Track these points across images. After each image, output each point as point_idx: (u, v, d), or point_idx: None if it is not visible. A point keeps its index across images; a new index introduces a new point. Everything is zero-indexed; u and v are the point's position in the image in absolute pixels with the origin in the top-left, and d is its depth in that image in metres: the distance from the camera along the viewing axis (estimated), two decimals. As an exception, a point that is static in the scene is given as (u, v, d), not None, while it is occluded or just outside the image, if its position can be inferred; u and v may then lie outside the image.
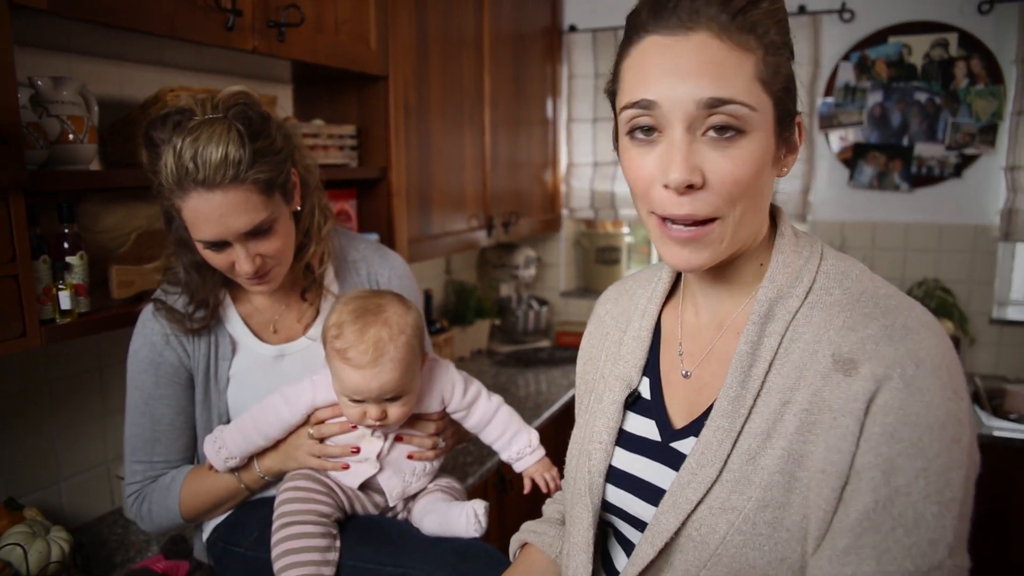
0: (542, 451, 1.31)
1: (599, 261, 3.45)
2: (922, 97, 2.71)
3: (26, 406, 1.57)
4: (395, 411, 1.17)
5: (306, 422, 1.25)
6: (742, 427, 0.78)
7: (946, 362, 0.72)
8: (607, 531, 0.95)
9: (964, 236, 2.76)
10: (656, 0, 0.74)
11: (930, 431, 0.69)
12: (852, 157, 2.84)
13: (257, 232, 1.15)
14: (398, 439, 1.25)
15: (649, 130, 0.75)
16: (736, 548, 0.76)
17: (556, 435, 2.38)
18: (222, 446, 1.22)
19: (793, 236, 0.84)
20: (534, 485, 1.29)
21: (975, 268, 2.77)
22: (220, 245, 1.15)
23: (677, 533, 0.79)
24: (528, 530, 1.09)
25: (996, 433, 2.25)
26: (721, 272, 0.85)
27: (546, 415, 2.42)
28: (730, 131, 0.72)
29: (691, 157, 0.72)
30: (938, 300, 2.75)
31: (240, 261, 1.15)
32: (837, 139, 2.86)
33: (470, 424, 1.30)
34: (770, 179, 0.79)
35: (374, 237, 2.04)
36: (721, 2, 0.71)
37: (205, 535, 1.35)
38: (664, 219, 0.77)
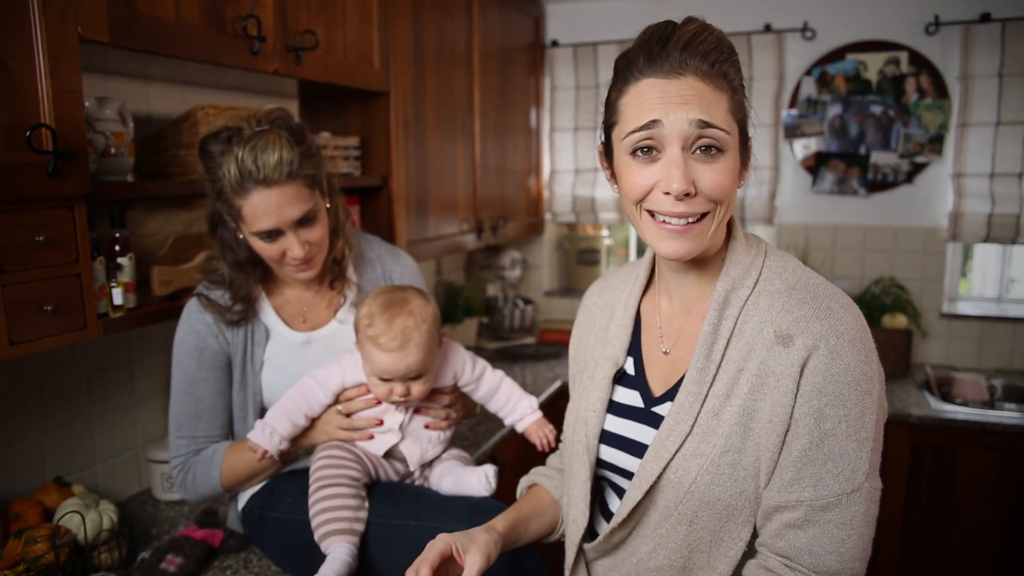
0: (540, 413, 1.50)
1: (580, 262, 3.65)
2: (877, 110, 2.95)
3: (67, 395, 1.73)
4: (417, 388, 1.36)
5: (335, 401, 1.42)
6: (708, 391, 0.98)
7: (860, 334, 0.93)
8: (601, 484, 1.14)
9: (916, 237, 3.01)
10: (649, 51, 0.93)
11: (848, 386, 0.90)
12: (814, 165, 3.08)
13: (305, 220, 1.35)
14: (416, 411, 1.43)
15: (649, 150, 0.94)
16: (705, 486, 0.95)
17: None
18: (273, 431, 1.37)
19: (744, 238, 1.04)
20: (539, 441, 1.46)
21: (926, 267, 3.01)
22: (274, 235, 1.33)
23: (659, 477, 0.99)
24: (538, 473, 1.29)
25: (943, 415, 2.48)
26: (694, 264, 1.04)
27: (534, 405, 2.60)
28: (713, 150, 0.93)
29: (687, 172, 0.92)
30: (894, 296, 2.99)
31: (293, 247, 1.34)
32: (800, 148, 3.09)
33: (479, 395, 1.49)
34: (736, 189, 0.99)
35: (378, 240, 2.21)
36: (702, 55, 0.92)
37: (241, 504, 1.52)
38: (654, 215, 0.96)
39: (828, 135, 3.04)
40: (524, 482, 1.30)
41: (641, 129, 0.93)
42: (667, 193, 0.93)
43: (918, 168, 2.95)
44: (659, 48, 0.92)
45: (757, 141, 3.19)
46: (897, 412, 2.52)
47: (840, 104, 3.00)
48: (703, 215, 0.95)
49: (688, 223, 0.94)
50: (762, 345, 0.95)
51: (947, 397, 2.75)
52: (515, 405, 1.49)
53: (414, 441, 1.43)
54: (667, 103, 0.92)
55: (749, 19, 3.07)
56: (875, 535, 0.94)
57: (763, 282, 1.00)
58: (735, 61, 0.96)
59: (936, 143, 2.90)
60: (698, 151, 0.93)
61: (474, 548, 1.01)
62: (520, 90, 3.24)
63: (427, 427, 1.43)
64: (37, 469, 1.67)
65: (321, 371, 1.41)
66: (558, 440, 1.37)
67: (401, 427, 1.41)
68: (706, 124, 0.91)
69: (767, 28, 3.04)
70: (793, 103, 3.06)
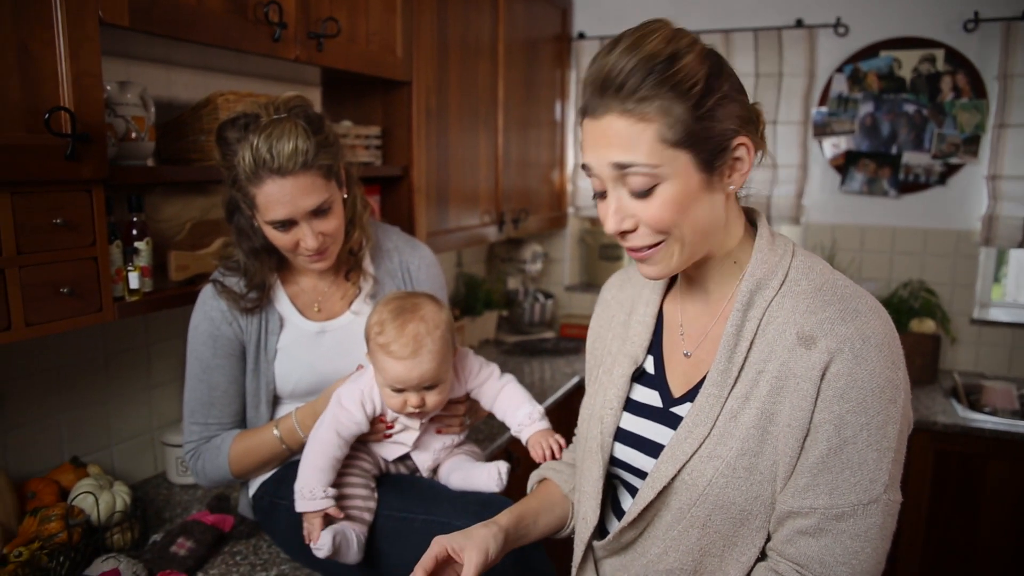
0: (546, 423, 1.40)
1: (602, 257, 3.61)
2: (910, 109, 2.88)
3: (86, 377, 1.74)
4: (432, 399, 1.31)
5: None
6: (728, 393, 0.95)
7: (887, 339, 0.89)
8: (614, 482, 1.12)
9: (947, 240, 2.93)
10: (585, 94, 0.93)
11: (872, 394, 0.87)
12: (844, 164, 3.01)
13: (320, 211, 1.34)
14: (431, 420, 1.41)
15: (601, 192, 0.95)
16: (720, 489, 0.93)
17: (559, 421, 2.53)
18: (313, 488, 1.27)
19: (770, 237, 1.01)
20: (542, 452, 1.36)
21: (957, 271, 2.94)
22: (288, 225, 1.33)
23: (673, 479, 0.96)
24: (548, 468, 1.27)
25: (971, 424, 2.42)
26: (696, 273, 1.03)
27: (550, 400, 2.58)
28: (642, 187, 0.90)
29: (621, 210, 0.92)
30: (922, 301, 2.92)
31: (306, 238, 1.33)
32: (830, 146, 3.03)
33: (483, 401, 1.45)
34: (708, 202, 0.93)
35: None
36: (616, 90, 0.88)
37: (252, 491, 1.52)
38: None
39: (859, 134, 2.97)
40: (534, 477, 1.28)
41: (584, 168, 0.95)
42: None
43: (952, 169, 2.87)
44: (590, 92, 0.92)
45: (785, 139, 3.13)
46: (923, 419, 2.45)
47: (872, 102, 2.93)
48: (659, 243, 0.94)
49: (646, 250, 0.95)
50: (784, 346, 0.92)
51: (975, 406, 2.68)
52: (514, 412, 1.40)
53: (425, 450, 1.41)
54: (591, 145, 0.93)
55: (780, 14, 3.01)
56: (896, 544, 0.91)
57: (789, 283, 0.97)
58: (671, 75, 0.87)
59: (971, 144, 2.81)
60: (628, 190, 0.92)
61: (470, 545, 1.00)
62: (545, 82, 3.21)
63: (439, 432, 1.41)
64: (54, 449, 1.69)
65: (344, 413, 1.33)
66: (565, 447, 1.34)
67: (414, 441, 1.39)
68: (622, 165, 0.90)
69: (798, 23, 2.97)
70: (823, 100, 3.00)
